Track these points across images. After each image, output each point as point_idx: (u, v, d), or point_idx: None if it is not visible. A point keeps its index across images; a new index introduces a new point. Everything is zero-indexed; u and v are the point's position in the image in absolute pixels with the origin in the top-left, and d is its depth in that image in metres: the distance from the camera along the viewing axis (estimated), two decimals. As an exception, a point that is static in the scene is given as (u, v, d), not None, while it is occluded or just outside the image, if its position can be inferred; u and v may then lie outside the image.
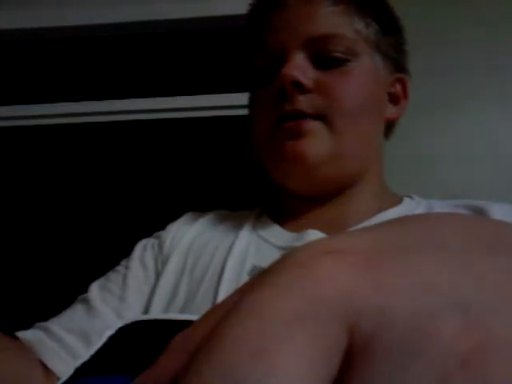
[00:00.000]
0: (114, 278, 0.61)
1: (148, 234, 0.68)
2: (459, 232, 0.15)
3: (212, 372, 0.12)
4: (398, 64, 0.63)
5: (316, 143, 0.55)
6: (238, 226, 0.62)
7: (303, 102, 0.55)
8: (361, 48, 0.58)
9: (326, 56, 0.56)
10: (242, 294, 0.14)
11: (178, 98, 1.27)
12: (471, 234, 0.15)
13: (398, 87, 0.63)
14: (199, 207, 0.72)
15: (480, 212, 0.55)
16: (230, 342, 0.13)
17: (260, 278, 0.14)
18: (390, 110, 0.63)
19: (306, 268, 0.14)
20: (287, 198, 0.63)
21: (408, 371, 0.12)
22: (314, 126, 0.55)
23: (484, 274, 0.13)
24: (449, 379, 0.12)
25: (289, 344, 0.12)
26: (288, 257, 0.15)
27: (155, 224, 0.70)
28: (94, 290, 0.59)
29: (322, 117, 0.55)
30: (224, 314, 0.14)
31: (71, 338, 0.54)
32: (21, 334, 0.53)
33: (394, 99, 0.63)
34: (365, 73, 0.58)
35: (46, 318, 0.57)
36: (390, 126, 0.66)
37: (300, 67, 0.55)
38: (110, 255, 0.70)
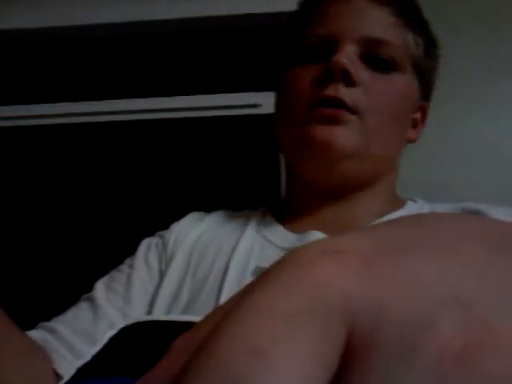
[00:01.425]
0: (118, 277, 0.61)
1: (148, 234, 0.68)
2: (458, 231, 0.15)
3: (212, 371, 0.12)
4: (428, 92, 0.64)
5: (348, 135, 0.55)
6: (243, 226, 0.62)
7: (346, 94, 0.55)
8: (406, 64, 0.59)
9: (373, 58, 0.57)
10: (243, 295, 0.14)
11: (178, 97, 1.27)
12: (470, 234, 0.15)
13: (419, 114, 0.64)
14: (200, 207, 0.72)
15: (480, 215, 0.55)
16: (229, 341, 0.13)
17: (260, 278, 0.14)
18: (410, 133, 0.64)
19: (305, 268, 0.14)
20: (297, 192, 0.63)
21: (406, 368, 0.12)
22: (350, 118, 0.55)
23: (483, 273, 0.14)
24: (446, 375, 0.12)
25: (288, 342, 0.12)
26: (288, 257, 0.15)
27: (155, 224, 0.70)
28: (99, 289, 0.59)
29: (358, 113, 0.55)
30: (225, 314, 0.14)
31: (78, 340, 0.54)
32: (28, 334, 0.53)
33: (413, 124, 0.64)
34: (403, 88, 0.59)
35: (49, 317, 0.57)
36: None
37: (352, 60, 0.55)
38: (112, 255, 0.70)
